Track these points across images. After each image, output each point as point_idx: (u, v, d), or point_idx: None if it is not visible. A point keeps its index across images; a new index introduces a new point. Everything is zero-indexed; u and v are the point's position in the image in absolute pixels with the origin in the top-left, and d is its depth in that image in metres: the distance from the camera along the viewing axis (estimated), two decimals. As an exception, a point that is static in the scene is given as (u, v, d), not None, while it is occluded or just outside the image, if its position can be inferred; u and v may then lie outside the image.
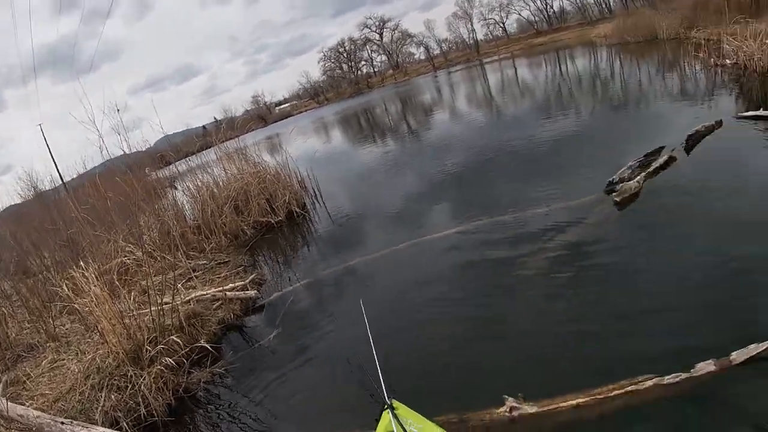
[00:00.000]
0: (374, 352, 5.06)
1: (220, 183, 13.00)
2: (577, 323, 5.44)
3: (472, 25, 76.59)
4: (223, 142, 14.70)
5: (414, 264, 8.22)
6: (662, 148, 9.20)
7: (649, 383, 4.23)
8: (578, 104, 17.12)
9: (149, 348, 6.65)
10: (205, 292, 8.37)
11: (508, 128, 16.01)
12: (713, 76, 15.25)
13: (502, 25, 73.77)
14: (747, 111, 10.44)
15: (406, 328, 6.44)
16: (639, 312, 5.30)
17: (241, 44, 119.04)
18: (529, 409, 4.34)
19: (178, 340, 7.02)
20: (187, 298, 8.07)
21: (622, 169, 8.58)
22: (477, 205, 9.61)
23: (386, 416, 3.97)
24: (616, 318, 5.32)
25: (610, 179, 8.41)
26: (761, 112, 10.00)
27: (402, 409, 4.05)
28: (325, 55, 79.17)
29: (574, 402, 4.28)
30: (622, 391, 4.24)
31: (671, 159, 9.00)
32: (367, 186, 14.47)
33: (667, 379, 4.21)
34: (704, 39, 18.87)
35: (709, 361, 4.23)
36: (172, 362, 6.60)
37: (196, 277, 9.36)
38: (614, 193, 8.12)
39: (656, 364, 4.38)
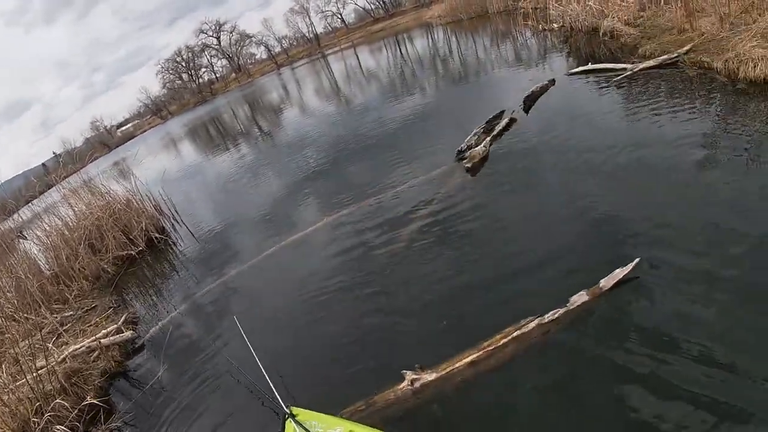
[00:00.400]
0: (260, 365, 5.18)
1: (70, 223, 12.25)
2: (457, 286, 5.92)
3: (310, 19, 76.32)
4: (66, 178, 13.87)
5: (289, 264, 8.39)
6: (503, 111, 10.05)
7: (532, 324, 4.69)
8: (422, 83, 17.91)
9: (36, 420, 6.32)
10: (78, 346, 7.99)
11: (359, 116, 16.43)
12: (543, 41, 16.65)
13: (339, 16, 74.11)
14: (577, 67, 11.59)
15: (292, 331, 6.60)
16: (513, 263, 5.88)
17: (74, 67, 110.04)
18: (429, 376, 4.62)
19: (65, 403, 6.68)
20: (62, 357, 7.68)
21: (469, 137, 9.26)
22: (342, 195, 9.96)
23: (289, 425, 4.04)
24: (494, 273, 5.85)
25: (459, 148, 9.06)
26: (589, 66, 11.21)
27: (303, 414, 4.13)
28: (162, 67, 75.71)
29: (468, 359, 4.63)
30: (510, 338, 4.66)
31: (512, 120, 9.84)
32: (227, 196, 14.29)
33: (548, 317, 4.69)
34: (532, 7, 20.28)
35: (582, 292, 4.79)
36: (65, 429, 6.32)
37: (66, 331, 8.88)
38: (464, 161, 8.72)
39: (538, 307, 4.86)
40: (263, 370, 5.06)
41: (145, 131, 60.31)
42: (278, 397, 4.52)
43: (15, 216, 15.37)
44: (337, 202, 9.76)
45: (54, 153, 54.96)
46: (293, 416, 4.10)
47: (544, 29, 17.94)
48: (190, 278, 9.80)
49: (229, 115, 35.87)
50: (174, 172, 19.62)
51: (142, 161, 22.58)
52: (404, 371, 4.72)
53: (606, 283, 4.83)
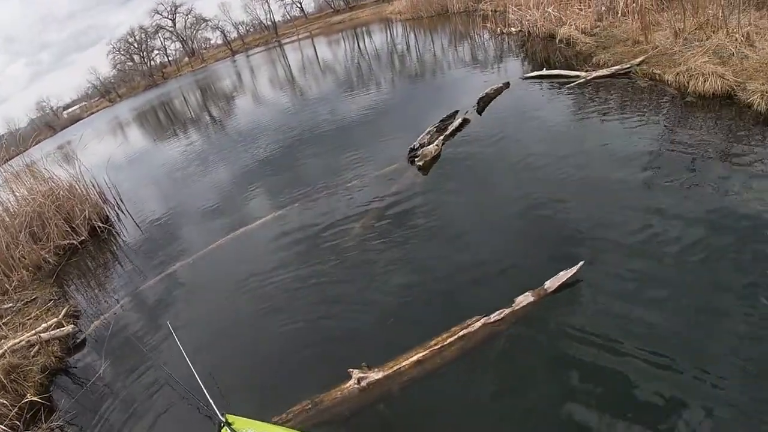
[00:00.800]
0: (194, 372, 5.07)
1: (11, 209, 11.69)
2: (404, 284, 5.91)
3: (269, 6, 74.98)
4: (8, 161, 13.24)
5: (233, 259, 8.23)
6: (456, 112, 10.10)
7: (478, 324, 4.70)
8: (378, 79, 17.79)
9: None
10: (18, 340, 7.61)
11: (313, 108, 16.23)
12: (501, 44, 16.78)
13: (299, 4, 72.73)
14: (532, 72, 11.73)
15: (234, 330, 6.47)
16: (460, 263, 5.89)
17: (20, 43, 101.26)
18: (376, 375, 4.59)
19: (4, 401, 6.37)
20: (0, 352, 7.34)
21: (422, 135, 9.23)
22: (291, 187, 9.83)
23: None
24: (441, 273, 5.85)
25: (411, 146, 9.01)
26: (543, 72, 11.37)
27: (239, 422, 4.07)
28: (114, 47, 72.45)
29: (414, 358, 4.62)
30: (456, 337, 4.67)
31: (465, 121, 9.88)
32: (174, 185, 13.87)
33: (493, 317, 4.71)
34: (492, 10, 20.42)
35: (527, 293, 4.85)
36: (4, 429, 6.01)
37: (5, 324, 8.48)
38: (416, 159, 8.67)
39: (484, 306, 4.89)
40: (197, 377, 4.94)
41: (92, 113, 58.36)
42: (213, 404, 4.43)
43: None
44: (286, 195, 9.62)
45: (-6, 132, 52.85)
46: (228, 424, 4.03)
47: (502, 33, 18.11)
48: (133, 271, 9.46)
49: (180, 100, 35.07)
50: (120, 159, 18.96)
51: (86, 146, 21.87)
52: (351, 370, 4.70)
53: (551, 284, 4.92)
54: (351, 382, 4.64)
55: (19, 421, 6.22)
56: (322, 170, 10.17)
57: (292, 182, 10.18)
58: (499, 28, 18.41)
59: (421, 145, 9.04)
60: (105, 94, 69.96)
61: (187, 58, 71.42)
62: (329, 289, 6.40)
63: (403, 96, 14.30)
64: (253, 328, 6.30)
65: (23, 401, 6.47)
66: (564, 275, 4.95)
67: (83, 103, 72.71)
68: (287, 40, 51.36)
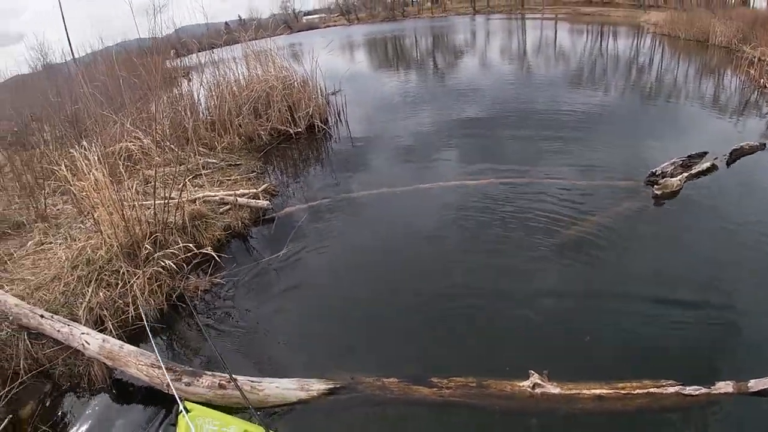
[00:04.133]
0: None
1: (242, 82, 12.03)
2: (602, 309, 5.07)
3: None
4: (252, 40, 13.60)
5: (412, 211, 7.59)
6: (705, 153, 8.45)
7: (671, 390, 4.04)
8: (609, 82, 15.88)
9: (147, 246, 5.95)
10: (214, 194, 7.63)
11: (534, 89, 14.84)
12: (761, 97, 14.08)
13: None
14: None
15: (418, 285, 5.75)
16: (667, 313, 4.88)
17: None
18: (552, 389, 4.03)
19: (180, 242, 6.36)
20: (194, 197, 7.33)
21: (666, 164, 7.88)
22: (490, 160, 8.86)
23: (182, 420, 3.73)
24: (643, 312, 4.92)
25: (653, 170, 7.70)
26: None
27: (197, 410, 3.87)
28: None
29: (597, 392, 4.03)
30: (645, 391, 4.05)
31: (713, 167, 8.31)
32: (386, 116, 13.36)
33: (688, 389, 4.01)
34: (758, 57, 17.51)
35: (729, 382, 4.05)
36: (171, 265, 5.93)
37: (205, 175, 8.57)
38: (656, 186, 7.40)
39: (679, 371, 4.12)
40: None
41: (328, 27, 60.73)
42: (175, 392, 3.99)
43: (190, 58, 15.53)
44: (481, 166, 8.64)
45: (239, 16, 56.85)
46: (187, 411, 3.78)
47: (766, 85, 15.30)
48: (332, 177, 9.22)
49: (410, 40, 34.95)
50: (347, 74, 19.14)
51: (320, 53, 22.37)
52: (531, 371, 4.10)
53: (755, 385, 4.01)
54: (526, 383, 4.06)
55: (186, 265, 6.29)
56: (530, 154, 9.01)
57: (492, 155, 9.19)
58: (762, 80, 15.60)
59: (663, 174, 7.69)
60: (345, 13, 72.36)
61: (429, 3, 71.81)
62: (520, 280, 5.55)
63: (632, 110, 12.40)
64: (434, 286, 5.65)
65: (198, 250, 6.51)
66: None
67: (322, 15, 75.77)
68: (530, 15, 49.08)
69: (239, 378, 4.23)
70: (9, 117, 11.88)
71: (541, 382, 4.02)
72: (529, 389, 4.02)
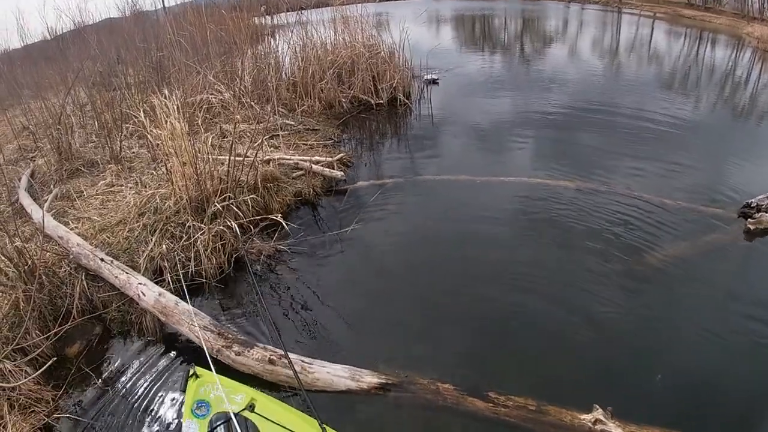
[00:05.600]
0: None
1: (329, 46, 11.72)
2: (678, 349, 4.43)
3: (626, -32, 69.98)
4: (341, 5, 13.24)
5: (496, 207, 6.88)
6: None
7: None
8: (710, 97, 14.44)
9: (216, 202, 5.74)
10: (289, 157, 7.36)
11: (626, 92, 13.53)
12: None
13: None
14: None
15: (482, 287, 5.27)
16: (752, 364, 4.22)
17: None
18: (614, 429, 3.59)
19: (249, 202, 6.17)
20: (269, 158, 7.08)
21: (762, 197, 6.82)
22: (563, 160, 8.09)
23: (191, 384, 3.78)
24: (725, 361, 4.27)
25: (748, 202, 6.66)
26: None
27: (207, 375, 3.83)
28: None
29: None
30: None
31: None
32: (468, 99, 12.64)
33: None
34: None
35: None
36: (237, 225, 5.72)
37: (282, 137, 8.33)
38: (749, 220, 6.44)
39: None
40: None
41: (413, -1, 59.88)
42: (210, 360, 3.86)
43: (281, 15, 15.32)
44: (553, 165, 7.90)
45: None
46: (197, 376, 3.82)
47: None
48: (410, 156, 8.76)
49: (499, 21, 33.73)
50: (432, 49, 18.55)
51: (421, 24, 21.87)
52: (596, 405, 3.64)
53: None
54: (587, 416, 3.64)
55: (253, 227, 6.09)
56: (610, 161, 8.07)
57: (570, 156, 8.34)
58: None
59: (759, 207, 6.72)
60: (436, -16, 71.32)
61: (525, -16, 69.93)
62: (583, 297, 4.97)
63: (726, 128, 10.91)
64: (483, 288, 5.21)
65: (266, 215, 6.37)
66: None
67: (411, -16, 74.87)
68: (628, 10, 46.79)
69: (291, 356, 4.01)
70: (95, 58, 11.93)
71: (604, 419, 3.60)
72: (589, 424, 3.62)
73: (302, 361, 4.02)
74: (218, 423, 3.44)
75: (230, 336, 4.21)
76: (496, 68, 16.96)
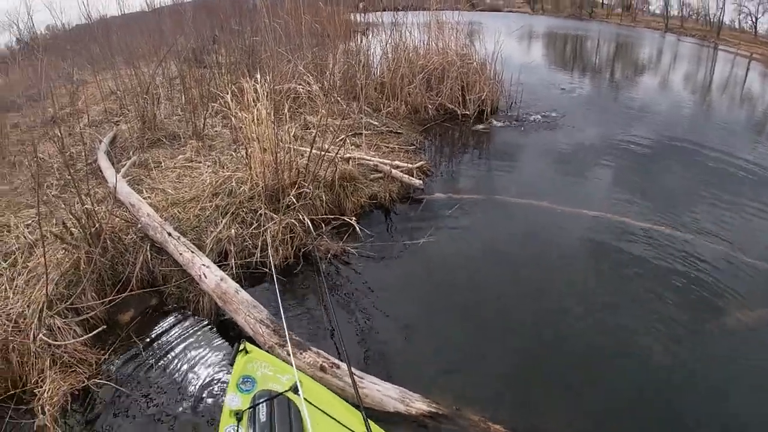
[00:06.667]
0: None
1: (421, 50, 11.48)
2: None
3: (724, 4, 67.20)
4: (438, 10, 13.01)
5: (577, 241, 6.38)
6: None
7: None
8: None
9: (292, 194, 5.59)
10: (370, 158, 7.16)
11: (717, 133, 12.35)
12: None
13: (754, 19, 63.52)
14: None
15: (549, 324, 4.88)
16: None
17: None
18: None
19: (324, 198, 6.07)
20: (349, 156, 6.90)
21: None
22: (662, 203, 7.29)
23: (240, 359, 3.80)
24: None
25: None
26: None
27: (256, 353, 3.92)
28: None
29: None
30: None
31: None
32: (555, 120, 11.98)
33: None
34: None
35: None
36: (309, 220, 5.56)
37: (365, 136, 8.15)
38: None
39: None
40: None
41: (510, 11, 59.23)
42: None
43: (377, 14, 15.21)
44: (642, 204, 7.25)
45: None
46: (247, 351, 3.87)
47: None
48: (492, 173, 8.37)
49: (592, 43, 32.74)
50: (524, 66, 18.10)
51: (517, 37, 21.45)
52: None
53: None
54: None
55: (324, 224, 5.97)
56: (699, 206, 7.28)
57: (657, 194, 7.61)
58: None
59: None
60: (531, 1, 70.30)
61: (619, 9, 68.06)
62: (673, 361, 4.36)
63: None
64: (550, 326, 4.84)
65: (342, 215, 6.20)
66: None
67: (511, -2, 74.12)
68: (723, 47, 44.87)
69: (342, 366, 3.87)
70: (189, 34, 12.15)
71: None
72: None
73: (355, 373, 3.81)
74: (261, 400, 3.39)
75: (285, 335, 4.03)
76: (585, 91, 16.38)
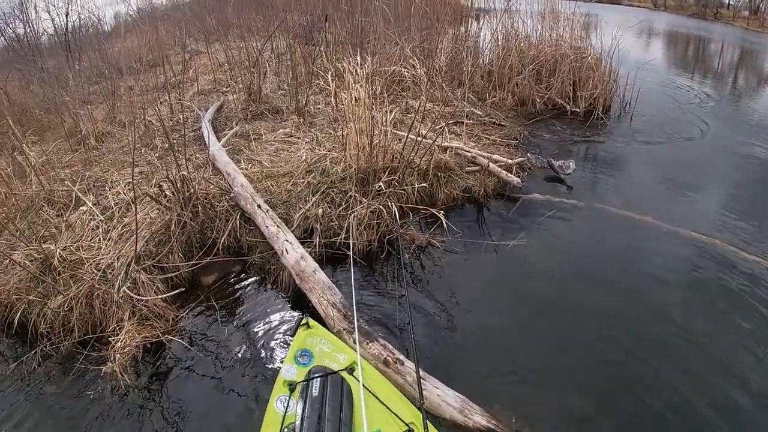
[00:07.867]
0: None
1: (533, 40, 11.02)
2: None
3: None
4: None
5: (682, 266, 5.74)
6: None
7: None
8: None
9: (383, 179, 5.49)
10: (469, 149, 6.91)
11: None
12: None
13: None
14: None
15: (636, 352, 4.41)
16: None
17: None
18: None
19: (416, 186, 5.90)
20: (447, 145, 6.70)
21: None
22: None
23: (301, 332, 3.87)
24: None
25: None
26: None
27: (317, 329, 3.95)
28: None
29: None
30: None
31: None
32: (670, 127, 11.15)
33: None
34: None
35: None
36: (397, 207, 5.41)
37: (466, 125, 7.89)
38: None
39: None
40: None
41: (631, 5, 56.48)
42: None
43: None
44: (752, 233, 6.39)
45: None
46: (308, 326, 3.92)
47: None
48: (591, 176, 7.85)
49: (715, 47, 30.52)
50: (642, 65, 17.06)
51: (636, 33, 20.28)
52: None
53: None
54: None
55: (412, 213, 5.89)
56: None
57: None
58: None
59: None
60: (656, -4, 66.58)
61: (746, 13, 63.25)
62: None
63: None
64: (637, 353, 4.37)
65: (433, 206, 5.91)
66: None
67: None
68: None
69: (407, 363, 3.76)
70: (301, 11, 12.28)
71: None
72: None
73: (418, 372, 3.64)
74: (315, 375, 3.44)
75: (354, 322, 3.97)
76: (704, 98, 15.15)
